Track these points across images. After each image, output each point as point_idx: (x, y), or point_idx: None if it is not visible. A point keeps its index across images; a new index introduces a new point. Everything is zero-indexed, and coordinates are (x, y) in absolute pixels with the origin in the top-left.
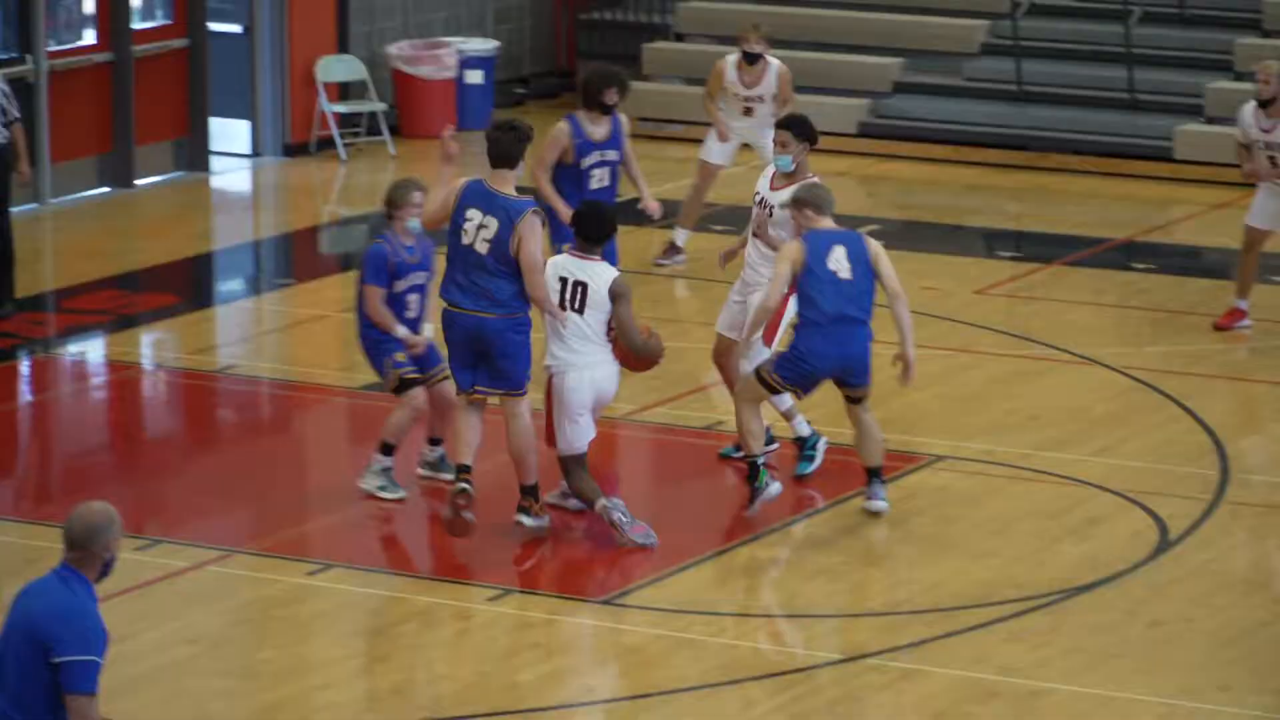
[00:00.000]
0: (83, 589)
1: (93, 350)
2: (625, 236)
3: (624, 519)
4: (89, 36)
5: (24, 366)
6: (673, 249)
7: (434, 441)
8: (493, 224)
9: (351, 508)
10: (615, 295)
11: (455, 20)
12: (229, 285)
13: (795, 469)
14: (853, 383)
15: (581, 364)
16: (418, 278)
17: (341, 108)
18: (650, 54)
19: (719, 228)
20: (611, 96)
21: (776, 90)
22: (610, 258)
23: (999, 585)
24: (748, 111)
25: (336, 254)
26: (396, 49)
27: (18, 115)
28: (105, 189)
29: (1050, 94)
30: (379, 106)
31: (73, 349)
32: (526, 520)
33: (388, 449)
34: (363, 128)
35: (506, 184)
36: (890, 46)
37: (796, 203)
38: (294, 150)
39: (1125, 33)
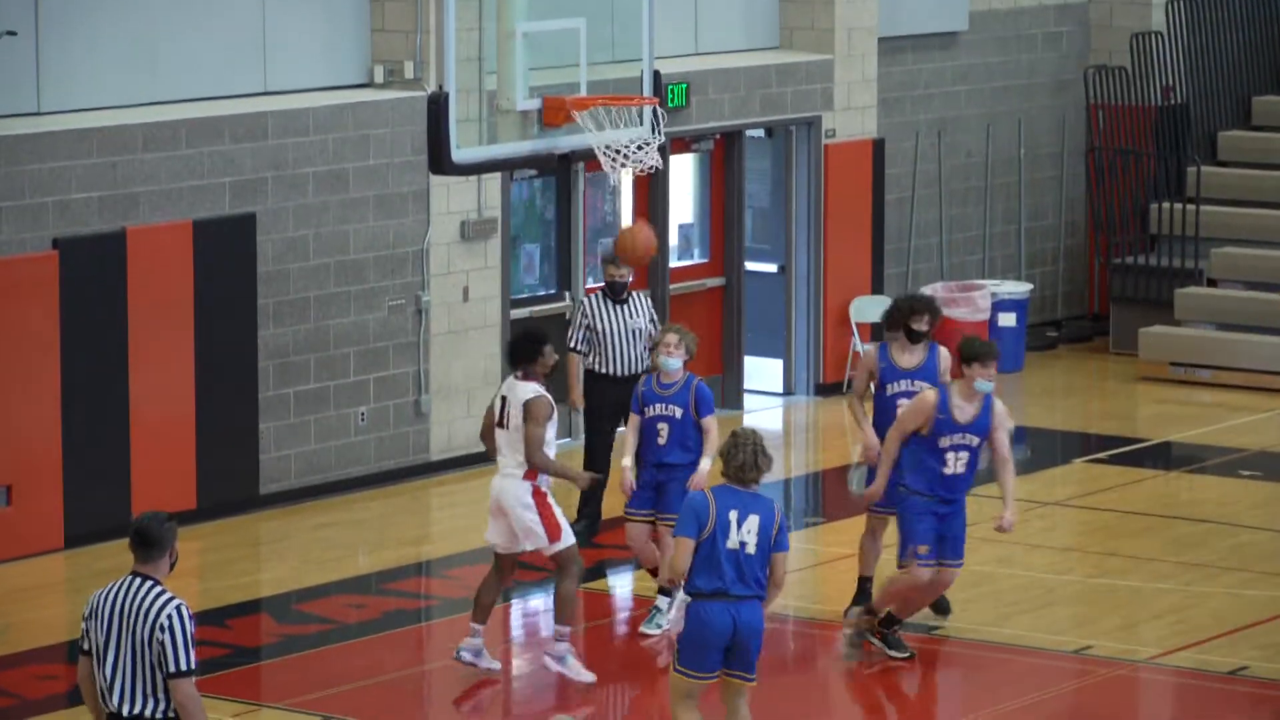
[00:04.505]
0: None
1: (602, 584)
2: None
3: None
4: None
5: (521, 606)
6: None
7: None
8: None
9: None
10: None
11: (990, 263)
12: None
13: None
14: None
15: None
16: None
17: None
18: (1182, 299)
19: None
20: (919, 323)
21: None
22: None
23: None
24: None
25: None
26: (931, 290)
27: None
28: None
29: None
30: None
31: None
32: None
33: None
34: None
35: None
36: None
37: None
38: (826, 390)
39: None
